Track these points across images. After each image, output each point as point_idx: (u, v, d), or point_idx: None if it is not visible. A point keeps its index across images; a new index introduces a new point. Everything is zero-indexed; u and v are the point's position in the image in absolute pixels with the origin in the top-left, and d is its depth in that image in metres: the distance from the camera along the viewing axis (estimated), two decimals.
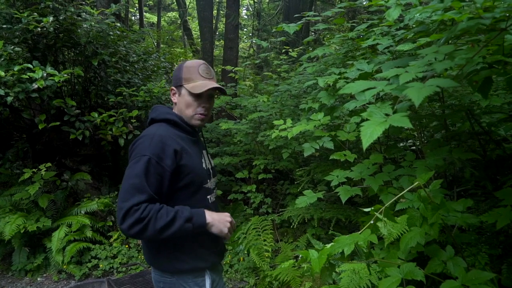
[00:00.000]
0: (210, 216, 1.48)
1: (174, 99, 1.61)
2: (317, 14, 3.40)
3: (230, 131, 4.89)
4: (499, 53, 1.36)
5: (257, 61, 5.23)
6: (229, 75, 5.66)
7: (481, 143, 2.18)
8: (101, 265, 4.06)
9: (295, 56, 4.82)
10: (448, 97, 2.88)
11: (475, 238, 2.05)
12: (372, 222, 1.64)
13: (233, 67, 5.51)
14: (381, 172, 2.38)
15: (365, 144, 1.07)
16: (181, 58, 11.54)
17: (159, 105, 1.66)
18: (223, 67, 6.62)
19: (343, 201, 2.23)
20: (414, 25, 2.35)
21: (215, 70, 11.83)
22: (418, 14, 1.57)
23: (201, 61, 1.60)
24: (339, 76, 2.64)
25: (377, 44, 2.25)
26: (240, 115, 5.38)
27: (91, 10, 4.35)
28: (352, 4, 3.31)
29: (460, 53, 1.24)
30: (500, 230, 1.92)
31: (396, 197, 1.65)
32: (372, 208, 1.70)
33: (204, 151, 1.71)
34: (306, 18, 3.40)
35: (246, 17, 19.44)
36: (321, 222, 3.44)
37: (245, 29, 18.83)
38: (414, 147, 3.72)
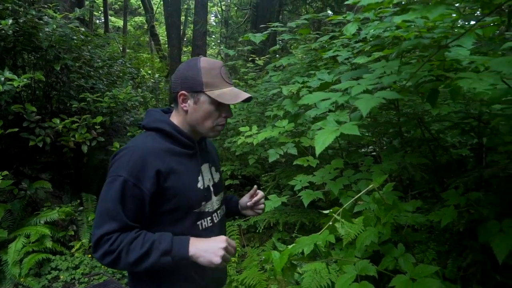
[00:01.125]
0: (195, 246, 1.19)
1: (185, 106, 1.28)
2: (282, 24, 3.53)
3: None
4: (441, 68, 1.51)
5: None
6: None
7: (431, 149, 2.36)
8: (61, 277, 3.92)
9: (262, 64, 4.94)
10: (403, 106, 3.08)
11: (426, 236, 2.21)
12: (330, 223, 1.75)
13: None
14: (342, 177, 2.51)
15: (318, 151, 1.17)
16: (148, 64, 11.40)
17: (153, 109, 1.39)
18: None
19: (306, 205, 2.33)
20: (371, 39, 2.52)
21: None
22: (372, 30, 1.71)
23: (219, 61, 1.31)
24: (302, 85, 2.76)
25: (337, 55, 2.39)
26: None
27: (54, 13, 4.25)
28: (316, 16, 3.47)
29: (405, 68, 1.37)
30: (446, 228, 2.09)
31: (353, 199, 1.76)
32: (331, 210, 1.81)
33: (205, 165, 1.40)
34: (272, 28, 3.53)
35: (214, 23, 19.52)
36: (286, 226, 3.53)
37: (213, 36, 18.89)
38: (374, 153, 3.91)
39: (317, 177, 2.57)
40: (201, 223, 1.34)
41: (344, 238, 2.03)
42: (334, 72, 2.51)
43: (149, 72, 10.73)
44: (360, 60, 1.84)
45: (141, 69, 9.55)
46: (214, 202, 1.40)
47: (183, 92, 1.26)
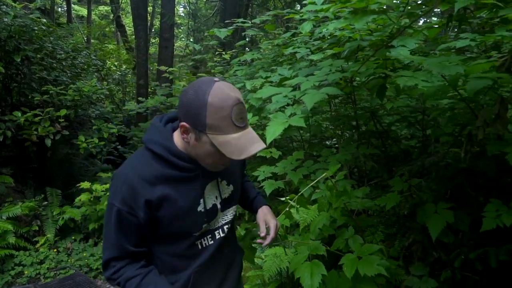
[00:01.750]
0: None
1: (186, 138, 1.12)
2: (247, 20, 3.63)
3: None
4: (383, 66, 1.68)
5: (190, 63, 5.34)
6: (164, 75, 5.68)
7: (382, 140, 2.56)
8: (26, 272, 3.87)
9: (228, 58, 5.02)
10: (360, 101, 3.28)
11: (376, 220, 2.41)
12: (287, 209, 1.90)
13: (168, 67, 5.55)
14: (302, 167, 2.67)
15: (268, 140, 1.29)
16: (114, 56, 11.14)
17: (157, 122, 1.22)
18: (158, 67, 6.59)
19: (267, 193, 2.47)
20: (328, 37, 2.67)
21: (151, 68, 11.60)
22: (325, 30, 1.84)
23: (233, 96, 1.04)
24: (265, 80, 2.88)
25: (296, 52, 2.53)
26: None
27: (13, 3, 4.11)
28: (280, 13, 3.59)
29: (350, 66, 1.52)
30: (394, 212, 2.30)
31: (308, 186, 1.92)
32: (287, 197, 1.96)
33: (212, 183, 1.25)
34: (237, 24, 3.61)
35: (183, 15, 19.21)
36: (252, 216, 3.67)
37: (182, 27, 18.62)
38: (337, 145, 4.11)
39: (279, 168, 2.72)
40: (201, 242, 1.26)
41: (301, 223, 2.19)
42: (294, 68, 2.65)
43: (116, 64, 10.50)
44: (315, 57, 1.98)
45: (107, 61, 9.33)
46: (220, 218, 1.30)
47: (184, 124, 1.08)
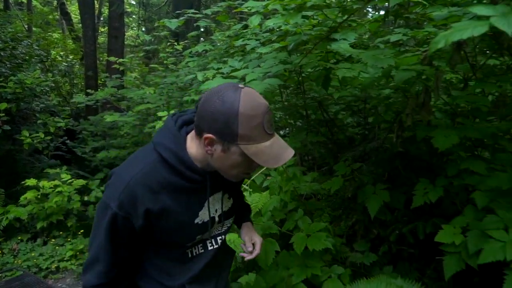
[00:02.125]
0: None
1: (210, 150, 1.02)
2: (198, 12, 3.63)
3: (117, 123, 4.81)
4: (325, 58, 1.79)
5: (141, 54, 5.22)
6: (114, 66, 5.50)
7: (329, 128, 2.72)
8: None
9: (180, 49, 4.97)
10: (309, 91, 3.43)
11: (325, 204, 2.57)
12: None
13: (118, 58, 5.37)
14: None
15: None
16: (60, 45, 10.51)
17: (171, 122, 1.12)
18: (108, 58, 6.35)
19: None
20: (277, 30, 2.76)
21: (100, 59, 11.10)
22: (272, 24, 1.92)
23: (263, 103, 1.00)
24: (216, 71, 2.92)
25: (246, 44, 2.59)
26: (128, 107, 5.30)
27: None
28: (232, 4, 3.63)
29: (294, 58, 1.62)
30: (339, 195, 2.47)
31: (259, 172, 2.01)
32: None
33: (216, 195, 1.19)
34: (188, 15, 3.60)
35: (133, 3, 18.47)
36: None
37: (133, 16, 17.91)
38: (290, 134, 4.26)
39: None
40: (191, 251, 1.21)
41: (253, 208, 2.28)
42: (245, 59, 2.71)
43: (61, 54, 9.93)
44: (263, 49, 2.06)
45: (52, 51, 8.80)
46: (215, 229, 1.24)
47: (210, 136, 0.98)
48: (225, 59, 3.03)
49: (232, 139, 0.97)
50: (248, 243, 1.33)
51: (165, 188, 1.06)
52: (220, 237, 1.26)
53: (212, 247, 1.24)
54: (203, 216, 1.15)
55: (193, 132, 1.07)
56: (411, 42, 2.31)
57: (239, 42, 2.64)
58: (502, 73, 1.90)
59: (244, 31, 3.05)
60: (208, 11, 3.57)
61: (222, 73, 2.75)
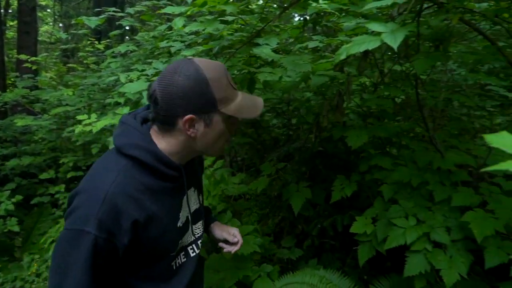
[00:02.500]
0: None
1: (193, 132, 0.95)
2: (120, 10, 3.47)
3: (30, 128, 4.39)
4: (247, 62, 1.85)
5: (57, 53, 4.83)
6: (25, 65, 5.00)
7: (255, 129, 2.80)
8: None
9: (102, 48, 4.71)
10: None
11: (253, 204, 2.64)
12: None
13: (30, 56, 4.90)
14: None
15: None
16: None
17: (131, 123, 0.98)
18: (18, 55, 5.75)
19: None
20: (202, 32, 2.77)
21: (10, 56, 9.99)
22: (193, 28, 1.92)
23: (218, 63, 0.98)
24: (141, 73, 2.83)
25: (171, 46, 2.55)
26: (43, 110, 4.86)
27: None
28: (156, 4, 3.54)
29: (218, 61, 1.64)
30: (267, 195, 2.57)
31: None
32: None
33: (189, 191, 1.10)
34: (110, 13, 3.43)
35: None
36: None
37: (48, 10, 16.42)
38: None
39: None
40: (176, 262, 1.08)
41: None
42: (170, 62, 2.67)
43: None
44: (188, 52, 2.05)
45: None
46: (190, 234, 1.13)
47: (190, 116, 0.92)
48: (150, 60, 2.95)
49: (212, 108, 0.93)
50: (229, 236, 1.27)
51: (145, 193, 0.93)
52: (200, 241, 1.17)
53: (194, 253, 1.14)
54: (183, 217, 1.06)
55: (154, 128, 0.98)
56: (329, 49, 2.48)
57: (163, 44, 2.59)
58: (404, 78, 2.13)
59: (169, 32, 3.00)
60: (131, 10, 3.44)
61: (147, 75, 2.68)
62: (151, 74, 2.50)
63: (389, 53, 2.40)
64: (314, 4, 1.88)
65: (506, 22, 1.50)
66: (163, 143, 0.97)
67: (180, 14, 1.86)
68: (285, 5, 1.55)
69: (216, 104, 0.92)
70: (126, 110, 2.93)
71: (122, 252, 0.91)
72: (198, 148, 1.00)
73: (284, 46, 2.71)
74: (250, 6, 2.16)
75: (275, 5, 2.09)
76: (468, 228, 1.36)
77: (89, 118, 2.99)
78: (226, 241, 1.27)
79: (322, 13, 2.43)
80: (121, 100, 3.08)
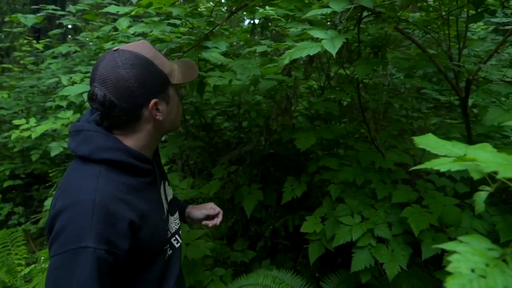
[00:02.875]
0: None
1: (159, 114, 0.95)
2: (61, 8, 3.28)
3: None
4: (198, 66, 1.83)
5: None
6: None
7: (207, 133, 2.78)
8: None
9: (42, 48, 4.42)
10: (187, 96, 3.44)
11: None
12: None
13: None
14: None
15: None
16: None
17: (94, 129, 0.93)
18: None
19: None
20: (149, 34, 2.70)
21: None
22: (141, 30, 1.87)
23: (144, 42, 0.98)
24: (84, 75, 2.70)
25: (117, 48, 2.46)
26: None
27: None
28: (100, 3, 3.39)
29: None
30: (219, 198, 2.55)
31: None
32: None
33: (162, 184, 1.10)
34: (49, 11, 3.22)
35: None
36: None
37: None
38: None
39: None
40: (166, 255, 1.07)
41: None
42: None
43: None
44: None
45: None
46: (172, 223, 1.11)
47: (155, 99, 0.93)
48: (95, 62, 2.81)
49: (167, 83, 0.95)
50: (209, 210, 1.30)
51: (129, 193, 0.90)
52: (180, 232, 1.16)
53: (178, 244, 1.13)
54: (164, 212, 1.05)
55: (115, 132, 0.95)
56: (277, 53, 2.53)
57: (108, 45, 2.49)
58: (348, 82, 2.24)
59: (115, 33, 2.89)
60: (73, 9, 3.26)
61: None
62: None
63: (334, 58, 2.51)
64: (261, 10, 1.91)
65: (434, 31, 1.64)
66: (129, 141, 0.95)
67: (124, 14, 1.80)
68: (232, 10, 1.56)
69: (168, 80, 0.95)
70: (69, 113, 2.78)
71: (122, 261, 0.86)
72: (166, 128, 1.01)
73: (234, 50, 2.73)
74: (198, 9, 2.15)
75: (224, 9, 2.09)
76: (407, 223, 1.46)
77: (27, 122, 2.79)
78: (207, 217, 1.30)
79: (270, 18, 2.49)
80: (64, 103, 2.91)
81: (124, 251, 0.85)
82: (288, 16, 2.04)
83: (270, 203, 2.28)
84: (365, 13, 1.50)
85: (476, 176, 0.52)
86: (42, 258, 2.97)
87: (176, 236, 1.12)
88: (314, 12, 1.09)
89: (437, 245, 0.51)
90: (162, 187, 1.08)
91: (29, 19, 2.87)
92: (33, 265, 3.40)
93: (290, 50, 0.98)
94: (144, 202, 0.94)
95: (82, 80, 2.61)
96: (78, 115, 2.81)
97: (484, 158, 0.49)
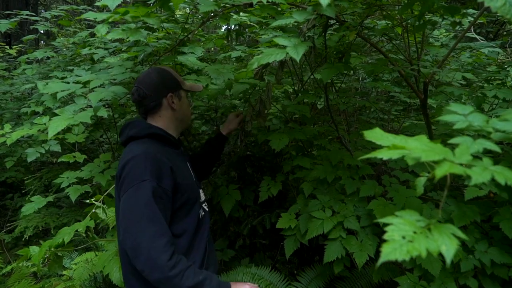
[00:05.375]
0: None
1: (174, 104, 1.43)
2: (34, 14, 3.26)
3: None
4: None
5: None
6: None
7: (185, 136, 2.83)
8: None
9: (14, 53, 4.35)
10: None
11: None
12: (93, 210, 1.91)
13: None
14: (110, 169, 2.66)
15: (50, 134, 1.34)
16: None
17: (137, 120, 1.41)
18: None
19: (73, 200, 2.35)
20: (127, 40, 2.74)
21: None
22: (117, 36, 1.92)
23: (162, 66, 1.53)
24: (61, 80, 2.70)
25: (94, 53, 2.49)
26: None
27: None
28: (76, 9, 3.39)
29: (140, 68, 1.67)
30: None
31: (113, 186, 1.96)
32: (93, 198, 1.96)
33: (188, 163, 1.52)
34: (22, 16, 3.21)
35: None
36: (60, 228, 3.37)
37: None
38: None
39: (85, 172, 2.62)
40: (200, 213, 1.42)
41: (110, 223, 2.21)
42: (93, 69, 2.60)
43: None
44: (111, 59, 2.04)
45: None
46: (201, 193, 1.52)
47: (171, 93, 1.42)
48: (71, 67, 2.82)
49: (179, 86, 1.46)
50: (234, 117, 1.85)
51: (166, 155, 1.29)
52: (206, 203, 1.53)
53: (207, 209, 1.51)
54: (193, 175, 1.48)
55: (148, 118, 1.43)
56: (251, 58, 2.62)
57: (85, 51, 2.51)
58: (317, 86, 2.36)
59: (91, 39, 2.91)
60: (47, 14, 3.26)
61: (68, 83, 2.57)
62: (73, 82, 2.41)
63: (308, 64, 2.63)
64: (235, 16, 2.00)
65: (395, 39, 1.77)
66: (159, 122, 1.41)
67: (103, 21, 1.85)
68: (207, 17, 1.64)
69: (179, 84, 1.46)
70: (45, 119, 2.78)
71: (170, 197, 1.23)
72: (179, 117, 1.46)
73: (210, 55, 2.81)
74: (174, 16, 2.21)
75: (200, 15, 2.17)
76: (374, 215, 1.58)
77: (1, 129, 2.76)
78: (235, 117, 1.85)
79: (245, 25, 2.59)
80: (40, 109, 2.90)
81: (169, 187, 1.22)
82: (262, 23, 2.14)
83: (248, 203, 2.36)
84: (332, 21, 1.62)
85: (410, 162, 0.62)
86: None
87: (206, 203, 1.52)
88: (279, 22, 1.18)
89: (381, 219, 0.60)
90: (188, 164, 1.49)
91: (3, 24, 2.85)
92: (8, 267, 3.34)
93: (258, 56, 1.07)
94: (177, 161, 1.35)
95: None
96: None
97: (412, 146, 0.59)
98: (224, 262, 2.39)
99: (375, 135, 0.70)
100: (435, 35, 3.14)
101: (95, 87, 1.52)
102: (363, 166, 1.81)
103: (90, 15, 1.48)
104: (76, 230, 1.83)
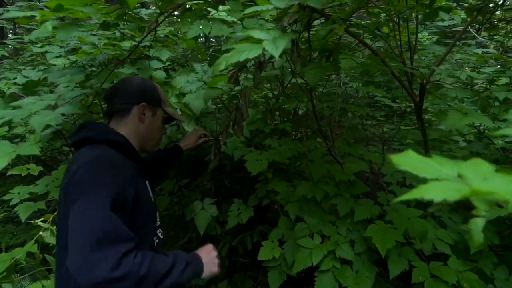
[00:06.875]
0: (203, 257, 1.15)
1: (144, 118, 1.24)
2: None
3: None
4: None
5: None
6: None
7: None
8: None
9: None
10: None
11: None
12: (40, 233, 1.64)
13: None
14: None
15: None
16: None
17: (95, 121, 1.21)
18: None
19: (23, 220, 2.04)
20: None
21: None
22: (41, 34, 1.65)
23: None
24: (12, 82, 2.39)
25: (47, 51, 2.19)
26: None
27: None
28: (34, 6, 3.09)
29: (92, 82, 1.40)
30: (173, 215, 2.35)
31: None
32: (39, 219, 1.69)
33: (147, 181, 1.27)
34: None
35: None
36: (10, 249, 3.03)
37: None
38: None
39: (41, 186, 2.31)
40: (154, 241, 1.19)
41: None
42: (48, 70, 2.29)
43: None
44: (59, 61, 1.75)
45: None
46: (157, 217, 1.28)
47: (144, 103, 1.24)
48: (22, 67, 2.50)
49: (159, 103, 1.29)
50: (198, 133, 1.71)
51: (125, 165, 1.11)
52: (160, 230, 1.28)
53: (162, 237, 1.27)
54: (151, 197, 1.24)
55: (112, 121, 1.24)
56: None
57: (36, 49, 2.20)
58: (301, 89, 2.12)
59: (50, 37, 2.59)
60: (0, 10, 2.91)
61: (19, 85, 2.26)
62: (22, 84, 2.10)
63: (289, 66, 2.39)
64: (213, 12, 1.75)
65: (384, 38, 1.56)
66: (122, 130, 1.20)
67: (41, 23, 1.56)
68: (164, 11, 1.37)
69: (161, 102, 1.30)
70: None
71: (132, 208, 1.02)
72: (143, 134, 1.25)
73: (179, 58, 2.52)
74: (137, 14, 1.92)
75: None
76: (371, 239, 1.36)
77: None
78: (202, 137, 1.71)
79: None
80: None
81: (132, 195, 1.02)
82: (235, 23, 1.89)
83: (226, 219, 2.11)
84: (316, 15, 1.39)
85: (482, 207, 0.39)
86: None
87: (160, 229, 1.28)
88: (256, 8, 0.94)
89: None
90: (147, 183, 1.26)
91: None
92: None
93: (226, 54, 0.83)
94: (136, 176, 1.12)
95: (9, 87, 2.31)
96: (6, 128, 2.48)
97: (503, 190, 0.35)
98: (200, 286, 2.13)
99: (411, 162, 0.45)
100: (419, 39, 2.97)
101: (38, 111, 1.26)
102: (355, 180, 1.59)
103: (13, 14, 1.21)
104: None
